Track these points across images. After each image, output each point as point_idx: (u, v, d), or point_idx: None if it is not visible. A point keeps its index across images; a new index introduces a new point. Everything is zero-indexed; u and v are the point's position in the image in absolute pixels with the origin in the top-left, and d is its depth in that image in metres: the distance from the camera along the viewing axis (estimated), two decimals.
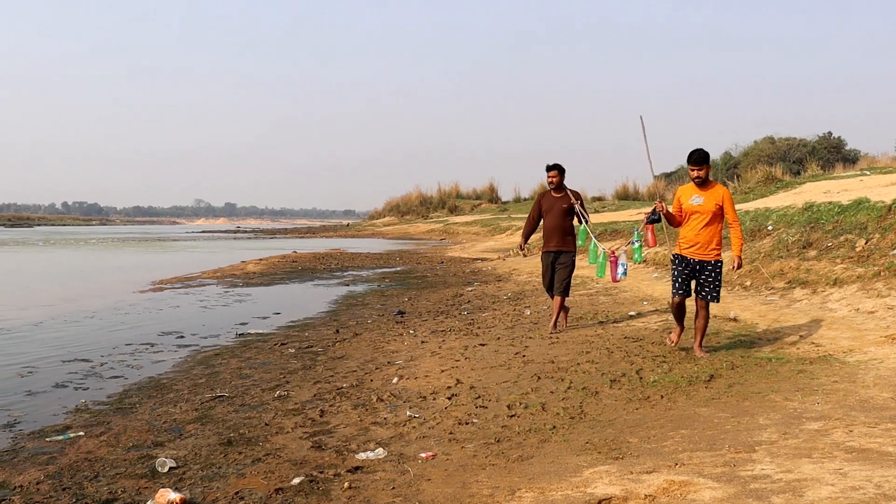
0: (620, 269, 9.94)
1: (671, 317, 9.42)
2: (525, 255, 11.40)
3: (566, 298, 10.94)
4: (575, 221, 10.86)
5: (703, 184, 8.41)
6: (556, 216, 10.70)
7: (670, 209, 8.69)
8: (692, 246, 8.41)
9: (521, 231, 11.61)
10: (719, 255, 8.39)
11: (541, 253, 11.20)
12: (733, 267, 8.48)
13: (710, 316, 8.86)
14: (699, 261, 8.38)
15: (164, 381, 8.81)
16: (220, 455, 6.00)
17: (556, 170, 10.76)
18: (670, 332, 9.20)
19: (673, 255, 8.74)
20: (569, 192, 10.72)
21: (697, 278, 8.43)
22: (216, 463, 5.82)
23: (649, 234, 9.33)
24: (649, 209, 9.20)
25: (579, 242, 10.76)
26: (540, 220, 11.10)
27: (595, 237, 10.59)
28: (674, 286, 8.60)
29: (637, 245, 9.84)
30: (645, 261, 18.10)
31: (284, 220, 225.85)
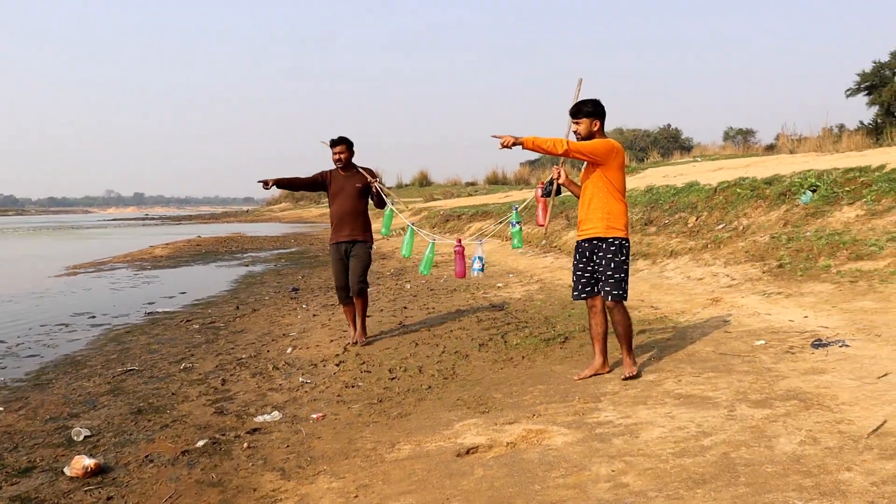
0: (477, 265, 7.28)
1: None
2: (267, 187, 8.10)
3: (366, 300, 8.44)
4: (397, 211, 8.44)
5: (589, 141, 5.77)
6: (348, 199, 8.18)
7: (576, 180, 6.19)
8: (583, 223, 5.90)
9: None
10: (616, 232, 5.75)
11: (330, 246, 8.46)
12: (502, 140, 5.55)
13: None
14: (591, 242, 5.83)
15: (78, 357, 8.60)
16: (131, 423, 5.92)
17: (344, 144, 8.20)
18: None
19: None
20: (361, 171, 8.24)
21: (595, 269, 5.88)
22: (127, 430, 5.75)
23: (540, 209, 6.64)
24: (516, 192, 7.14)
25: (383, 231, 8.49)
26: (311, 183, 8.36)
27: (413, 225, 8.10)
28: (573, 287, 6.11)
29: (517, 228, 7.26)
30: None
31: (189, 207, 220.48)
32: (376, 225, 8.56)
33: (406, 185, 61.82)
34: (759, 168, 15.13)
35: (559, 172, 6.14)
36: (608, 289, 5.71)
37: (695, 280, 9.91)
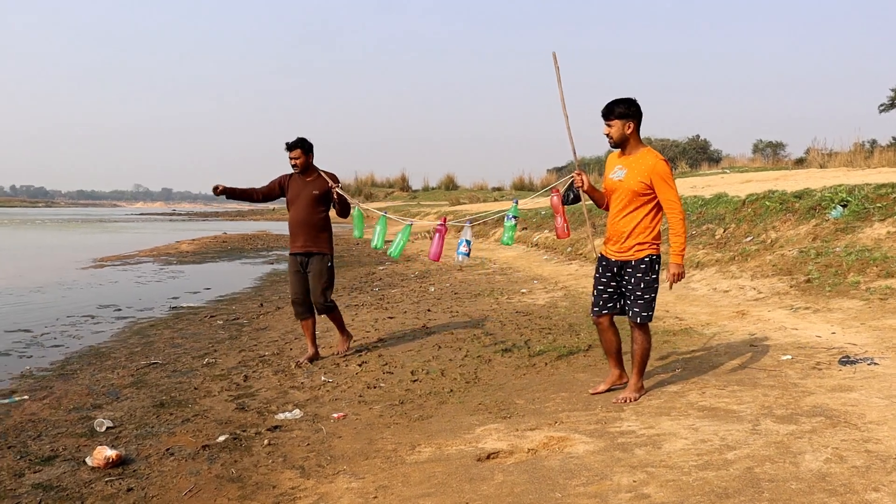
0: (463, 248, 6.73)
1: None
2: (216, 193, 7.47)
3: (336, 314, 7.85)
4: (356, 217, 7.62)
5: (623, 148, 5.30)
6: (304, 206, 7.52)
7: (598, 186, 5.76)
8: (610, 240, 5.45)
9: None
10: (646, 250, 5.29)
11: (288, 256, 7.90)
12: (668, 279, 5.31)
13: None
14: (618, 261, 5.39)
15: (102, 349, 8.67)
16: (153, 416, 5.95)
17: (300, 148, 7.47)
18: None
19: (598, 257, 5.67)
20: (322, 175, 7.51)
21: (620, 285, 5.45)
22: (149, 423, 5.77)
23: (559, 220, 6.23)
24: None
25: (356, 234, 7.63)
26: (267, 194, 7.74)
27: (386, 213, 7.41)
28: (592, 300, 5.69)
29: (511, 223, 6.82)
30: (537, 244, 18.28)
31: (216, 204, 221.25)
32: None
33: (433, 189, 61.88)
34: (789, 181, 15.03)
35: (581, 179, 5.61)
36: (637, 310, 5.31)
37: (721, 292, 9.83)
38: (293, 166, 7.54)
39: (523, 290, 11.90)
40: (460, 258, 6.77)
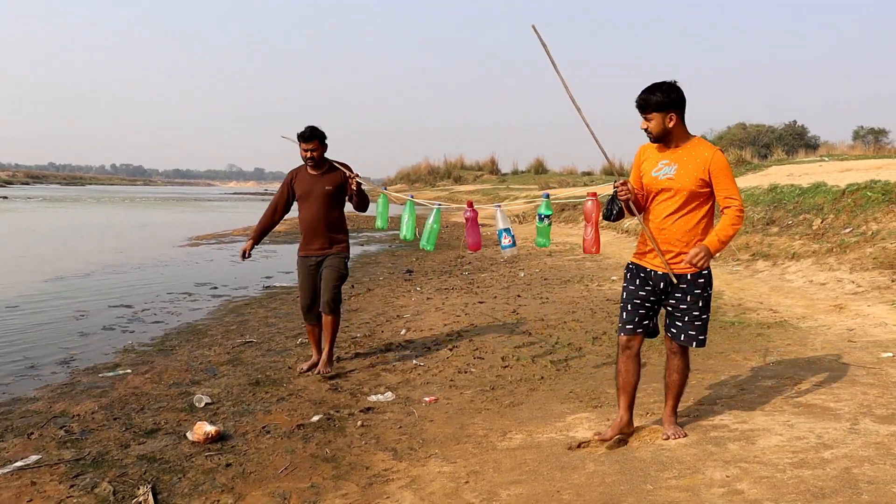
0: (506, 241, 5.79)
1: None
2: (247, 256, 7.01)
3: (337, 319, 6.84)
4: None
5: (666, 141, 4.31)
6: (318, 204, 6.68)
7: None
8: (653, 248, 4.36)
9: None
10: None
11: (297, 258, 7.04)
12: (688, 257, 4.18)
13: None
14: (665, 274, 4.34)
15: (200, 326, 8.93)
16: (249, 394, 6.12)
17: (317, 139, 6.55)
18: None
19: (627, 266, 4.61)
20: (336, 166, 6.70)
21: (665, 303, 4.44)
22: (246, 400, 5.94)
23: (589, 229, 5.09)
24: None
25: (379, 223, 6.72)
26: (283, 208, 6.90)
27: (412, 197, 6.71)
28: (620, 317, 4.53)
29: (544, 224, 5.72)
30: (628, 231, 18.06)
31: None
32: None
33: (522, 172, 61.67)
34: (893, 171, 14.52)
35: (629, 187, 4.38)
36: (694, 332, 4.36)
37: (818, 285, 9.60)
38: (308, 159, 6.63)
39: (613, 278, 11.81)
40: (507, 252, 5.92)
